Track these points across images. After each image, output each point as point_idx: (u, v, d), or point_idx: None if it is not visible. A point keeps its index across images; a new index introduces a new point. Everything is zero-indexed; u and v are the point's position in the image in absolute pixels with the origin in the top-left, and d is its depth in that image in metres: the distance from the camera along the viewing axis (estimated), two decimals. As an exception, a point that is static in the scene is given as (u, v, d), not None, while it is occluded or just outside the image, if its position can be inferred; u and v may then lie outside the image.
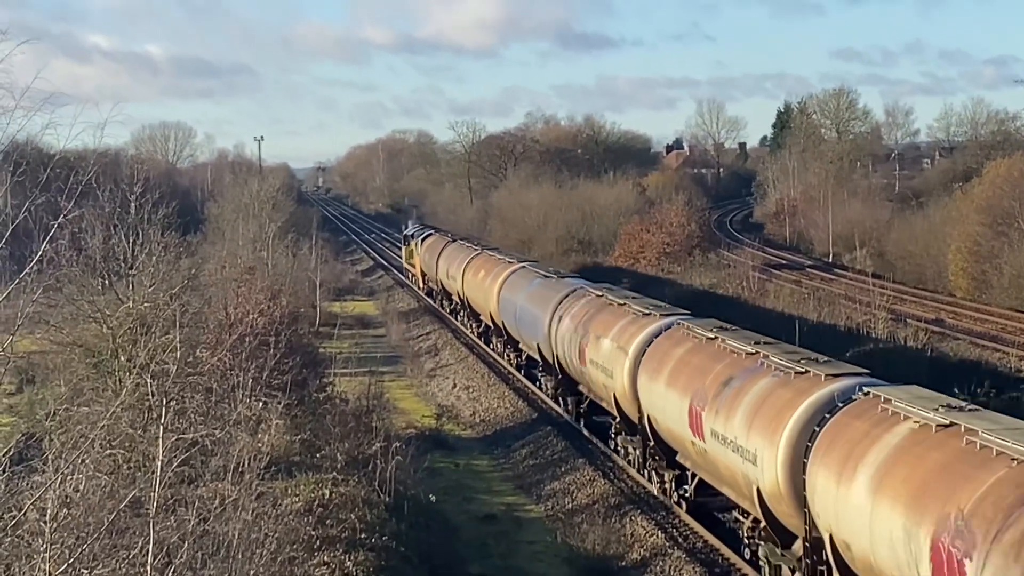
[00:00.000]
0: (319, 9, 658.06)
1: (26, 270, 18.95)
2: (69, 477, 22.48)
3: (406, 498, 39.33)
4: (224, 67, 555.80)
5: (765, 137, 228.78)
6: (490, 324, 74.17)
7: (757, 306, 77.30)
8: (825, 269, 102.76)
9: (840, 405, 28.88)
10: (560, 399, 57.08)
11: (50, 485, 21.02)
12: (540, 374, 61.71)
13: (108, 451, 27.69)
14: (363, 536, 33.73)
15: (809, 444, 28.87)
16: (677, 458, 40.75)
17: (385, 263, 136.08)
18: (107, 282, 41.34)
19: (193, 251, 68.71)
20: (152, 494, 21.87)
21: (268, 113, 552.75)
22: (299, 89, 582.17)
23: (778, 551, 31.92)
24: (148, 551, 21.52)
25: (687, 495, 40.27)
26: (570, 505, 43.93)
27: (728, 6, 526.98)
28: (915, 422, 25.56)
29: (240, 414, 35.17)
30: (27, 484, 22.34)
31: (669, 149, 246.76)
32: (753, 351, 35.28)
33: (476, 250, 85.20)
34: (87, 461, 23.73)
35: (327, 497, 36.14)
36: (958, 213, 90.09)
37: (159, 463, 22.58)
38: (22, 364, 44.27)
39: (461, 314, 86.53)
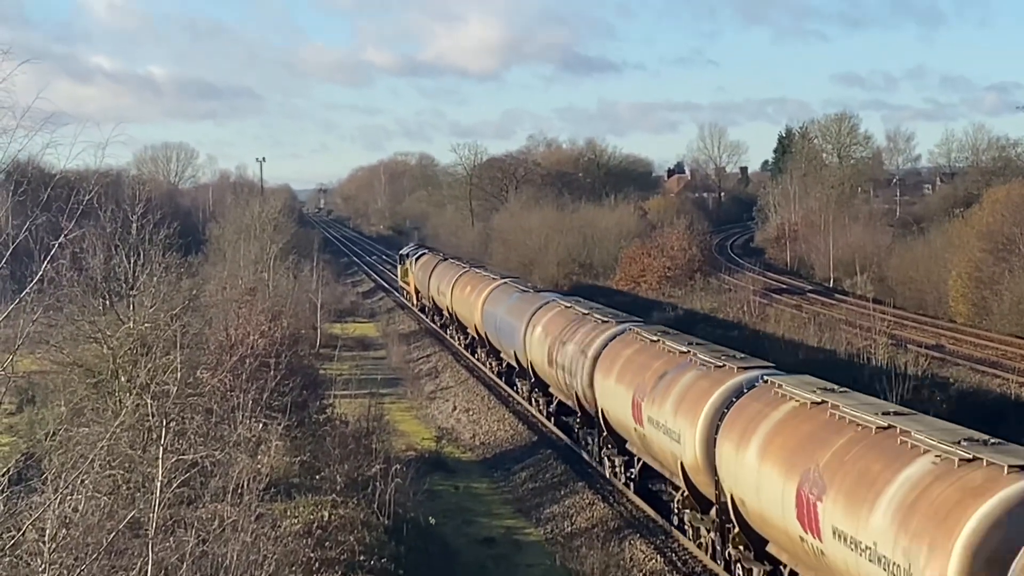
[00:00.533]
0: (323, 32, 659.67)
1: (26, 290, 18.96)
2: (68, 497, 22.46)
3: (405, 521, 39.29)
4: (227, 89, 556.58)
5: (766, 162, 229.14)
6: (475, 336, 78.81)
7: (757, 330, 77.24)
8: (826, 294, 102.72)
9: (745, 391, 34.80)
10: (533, 400, 62.75)
11: (49, 505, 21.00)
12: (517, 379, 66.66)
13: (108, 471, 27.68)
14: (362, 559, 33.68)
15: (719, 423, 34.69)
16: (627, 446, 45.69)
17: (386, 285, 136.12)
18: (108, 302, 41.34)
19: (194, 272, 68.74)
20: (151, 515, 21.86)
21: (270, 135, 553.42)
22: (302, 111, 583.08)
23: (698, 515, 37.86)
24: (147, 572, 21.50)
25: (633, 477, 45.63)
26: (569, 528, 43.90)
27: (730, 31, 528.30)
28: (795, 401, 31.52)
29: (240, 435, 35.16)
30: (26, 504, 22.31)
31: (670, 173, 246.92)
32: (685, 350, 40.72)
33: (464, 268, 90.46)
34: (86, 481, 23.70)
35: (326, 519, 36.09)
36: (959, 239, 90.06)
37: (158, 484, 22.57)
38: (22, 384, 44.19)
39: (451, 328, 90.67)
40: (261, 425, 38.64)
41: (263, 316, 49.70)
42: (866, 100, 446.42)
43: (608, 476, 48.76)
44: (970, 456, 23.86)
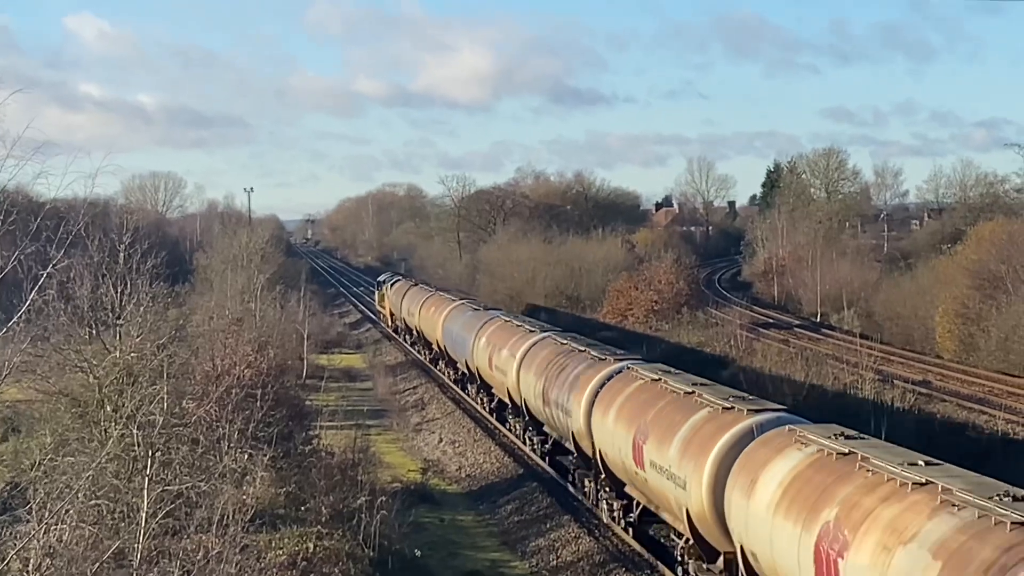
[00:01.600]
0: (314, 61, 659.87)
1: (14, 319, 18.93)
2: (53, 527, 22.40)
3: (391, 553, 39.21)
4: (217, 118, 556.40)
5: (754, 196, 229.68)
6: (437, 350, 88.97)
7: (744, 365, 77.29)
8: (813, 329, 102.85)
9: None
10: (479, 398, 72.98)
11: (34, 535, 20.95)
12: (468, 383, 76.98)
13: (93, 501, 27.60)
14: (347, 591, 33.61)
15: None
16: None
17: (372, 316, 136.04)
18: (94, 332, 41.33)
19: (181, 302, 68.81)
20: (136, 545, 21.82)
21: (259, 164, 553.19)
22: (291, 141, 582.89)
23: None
24: (131, 603, 21.42)
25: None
26: (555, 562, 43.80)
27: (721, 64, 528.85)
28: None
29: (225, 466, 35.10)
30: (11, 534, 22.25)
31: (658, 206, 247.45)
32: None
33: (430, 292, 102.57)
34: (71, 511, 23.65)
35: (311, 551, 36.00)
36: (946, 275, 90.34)
37: (144, 514, 22.54)
38: (8, 413, 44.16)
39: (418, 345, 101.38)
40: (247, 456, 38.55)
41: (249, 346, 49.64)
42: (855, 135, 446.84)
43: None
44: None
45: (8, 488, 32.34)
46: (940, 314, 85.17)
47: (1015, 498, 22.89)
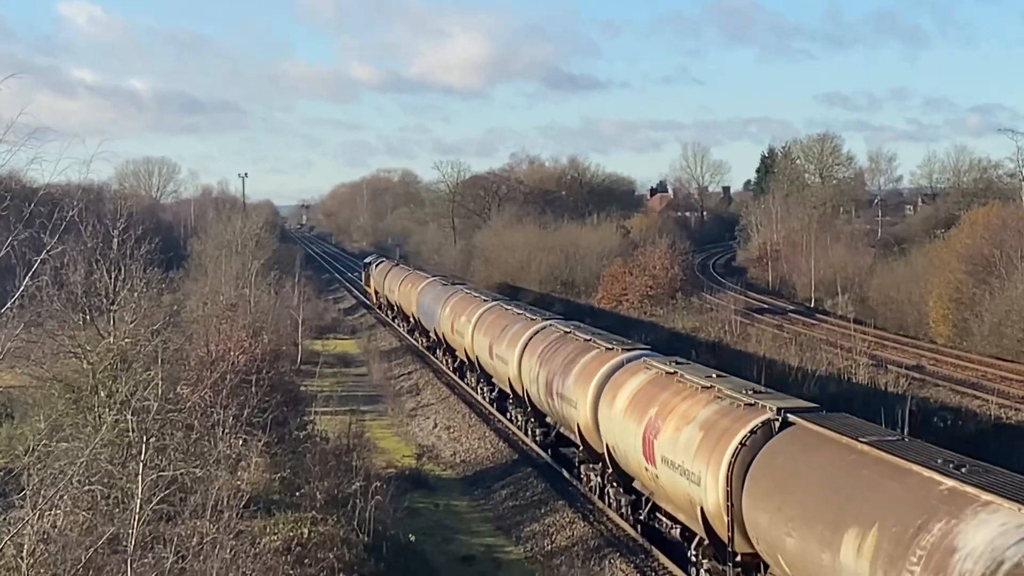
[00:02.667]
0: (308, 48, 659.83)
1: (7, 305, 18.93)
2: (47, 513, 22.45)
3: (385, 538, 39.23)
4: (210, 103, 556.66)
5: (749, 181, 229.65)
6: (414, 322, 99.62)
7: (739, 350, 77.35)
8: (807, 314, 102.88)
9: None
10: (444, 360, 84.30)
11: (28, 521, 20.97)
12: (438, 349, 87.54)
13: (87, 487, 27.64)
14: (342, 575, 33.64)
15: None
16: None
17: (368, 302, 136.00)
18: (88, 317, 41.31)
19: (175, 287, 68.76)
20: (130, 531, 21.84)
21: (253, 150, 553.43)
22: (285, 126, 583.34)
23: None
24: (125, 589, 21.45)
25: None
26: (550, 547, 43.84)
27: (715, 50, 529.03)
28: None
29: (220, 452, 35.11)
30: (4, 519, 22.28)
31: (653, 192, 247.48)
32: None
33: (409, 271, 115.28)
34: (65, 497, 23.70)
35: (306, 536, 36.03)
36: (939, 260, 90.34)
37: (138, 500, 22.56)
38: (1, 398, 44.15)
39: (398, 319, 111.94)
40: (241, 441, 38.57)
41: (244, 332, 49.67)
42: (849, 120, 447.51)
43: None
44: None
45: (2, 474, 32.33)
46: (934, 299, 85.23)
47: (755, 391, 35.10)
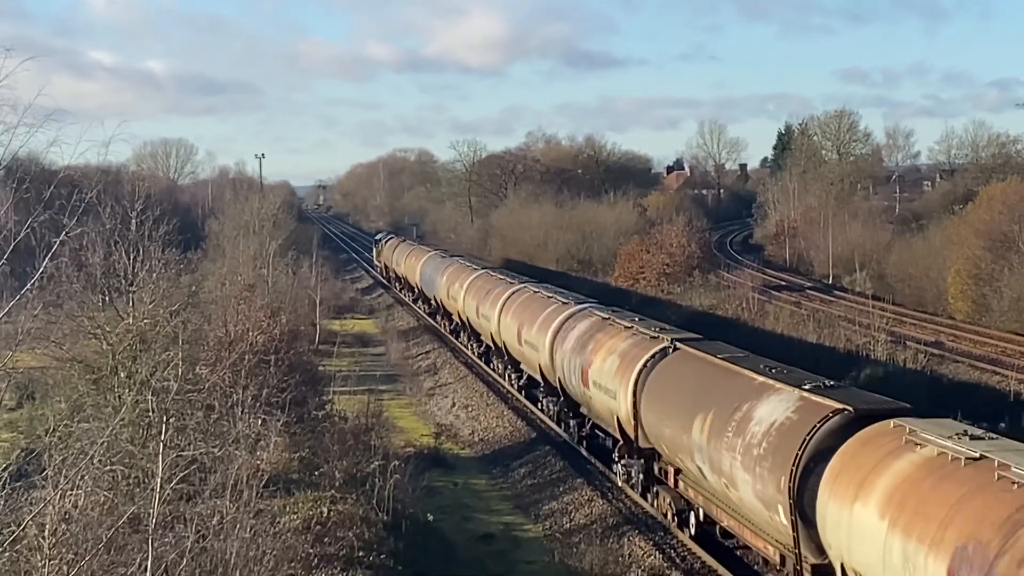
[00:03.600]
0: (324, 27, 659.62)
1: (27, 287, 19.01)
2: (68, 493, 22.54)
3: (404, 517, 39.36)
4: (227, 84, 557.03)
5: (766, 158, 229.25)
6: (416, 291, 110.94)
7: (756, 327, 77.32)
8: (825, 291, 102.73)
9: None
10: (441, 323, 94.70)
11: (49, 501, 21.07)
12: (437, 315, 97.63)
13: (107, 467, 27.74)
14: (361, 554, 33.75)
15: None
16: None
17: (385, 282, 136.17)
18: (107, 299, 41.39)
19: (193, 268, 68.79)
20: (151, 511, 21.92)
21: (270, 130, 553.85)
22: (302, 107, 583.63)
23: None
24: (147, 568, 21.56)
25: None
26: (568, 525, 43.94)
27: (732, 26, 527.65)
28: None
29: (239, 431, 35.24)
30: (26, 500, 22.39)
31: (670, 170, 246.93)
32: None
33: (413, 245, 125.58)
34: (86, 477, 23.80)
35: (325, 515, 36.16)
36: (958, 236, 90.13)
37: (158, 480, 22.63)
38: (22, 380, 44.25)
39: (404, 289, 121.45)
40: (260, 421, 38.70)
41: (262, 312, 49.75)
42: (867, 96, 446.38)
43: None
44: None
45: (24, 454, 32.49)
46: (952, 275, 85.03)
47: (662, 329, 46.00)
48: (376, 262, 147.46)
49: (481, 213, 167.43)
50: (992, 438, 25.79)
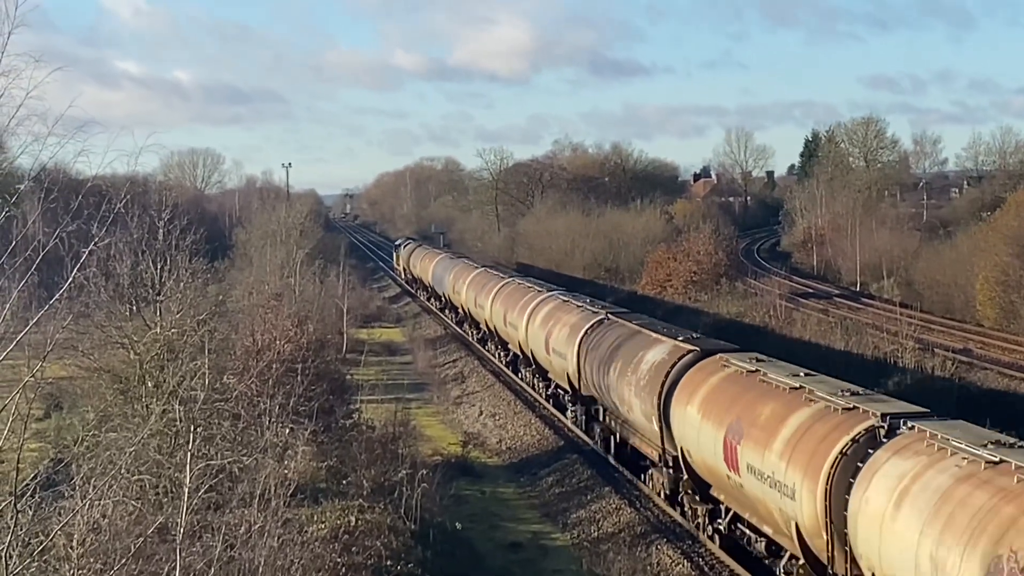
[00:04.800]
0: (351, 36, 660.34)
1: (56, 296, 19.04)
2: (97, 503, 22.57)
3: (432, 525, 39.35)
4: (254, 93, 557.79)
5: (793, 166, 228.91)
6: (429, 289, 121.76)
7: (784, 335, 77.14)
8: (852, 298, 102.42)
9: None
10: (444, 313, 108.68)
11: (78, 510, 21.10)
12: (444, 308, 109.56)
13: (136, 477, 27.82)
14: (389, 563, 33.74)
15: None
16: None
17: (411, 289, 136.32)
18: (135, 308, 41.50)
19: (221, 277, 68.98)
20: (179, 520, 21.93)
21: (297, 140, 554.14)
22: (328, 116, 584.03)
23: None
24: (175, 577, 21.57)
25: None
26: (596, 534, 43.88)
27: (757, 33, 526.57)
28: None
29: (267, 440, 35.27)
30: (55, 509, 22.43)
31: (696, 177, 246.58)
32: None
33: (428, 249, 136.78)
34: (115, 487, 23.82)
35: (353, 524, 36.17)
36: (985, 243, 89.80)
37: (186, 489, 22.65)
38: (51, 390, 44.43)
39: (419, 289, 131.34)
40: (288, 430, 38.74)
41: (289, 321, 49.80)
42: (894, 103, 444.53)
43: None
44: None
45: (52, 464, 32.57)
46: (980, 282, 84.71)
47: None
48: (396, 265, 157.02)
49: (508, 221, 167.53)
50: (760, 359, 39.45)
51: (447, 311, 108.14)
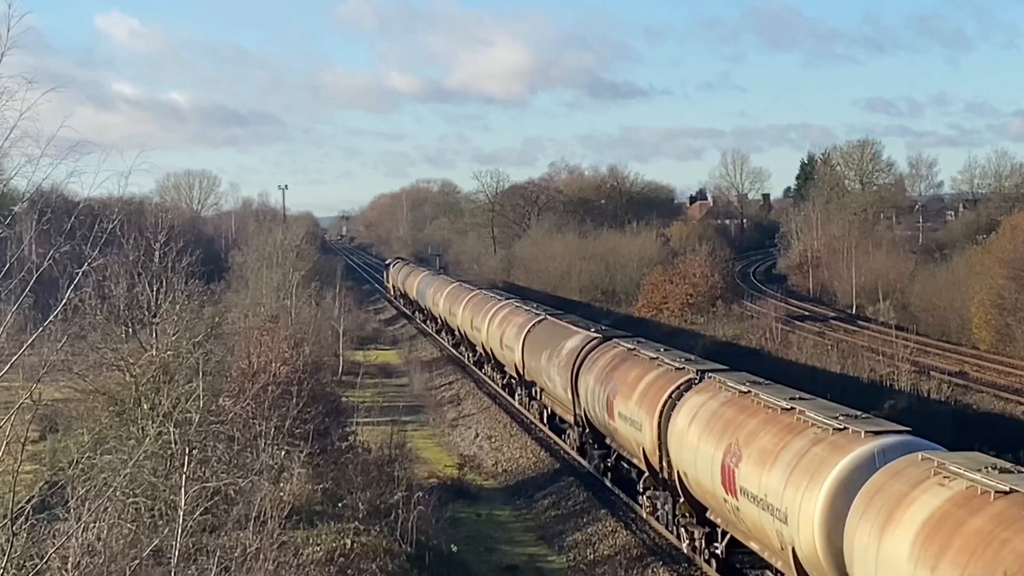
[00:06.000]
0: (346, 58, 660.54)
1: (50, 318, 19.02)
2: (92, 525, 22.51)
3: (428, 548, 39.28)
4: (250, 115, 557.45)
5: (789, 188, 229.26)
6: (415, 303, 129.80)
7: (780, 357, 77.17)
8: (848, 321, 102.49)
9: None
10: (422, 322, 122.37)
11: (72, 533, 21.05)
12: (423, 317, 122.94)
13: (131, 499, 27.77)
14: (384, 586, 33.66)
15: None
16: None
17: (407, 312, 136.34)
18: (130, 330, 41.46)
19: (216, 299, 68.97)
20: (174, 543, 21.91)
21: (293, 161, 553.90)
22: (325, 138, 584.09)
23: None
24: (169, 600, 21.52)
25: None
26: (592, 556, 43.80)
27: (757, 56, 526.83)
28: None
29: (262, 463, 35.25)
30: (50, 532, 22.37)
31: (692, 200, 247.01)
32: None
33: (414, 267, 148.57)
34: (110, 509, 23.77)
35: (349, 547, 36.09)
36: (981, 266, 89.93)
37: (181, 512, 22.62)
38: (46, 412, 44.34)
39: (405, 303, 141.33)
40: (283, 452, 38.71)
41: (285, 343, 49.76)
42: (890, 126, 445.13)
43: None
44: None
45: (47, 486, 32.51)
46: (976, 305, 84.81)
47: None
48: (386, 283, 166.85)
49: (504, 243, 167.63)
50: (641, 342, 51.68)
51: (428, 321, 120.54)
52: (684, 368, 43.87)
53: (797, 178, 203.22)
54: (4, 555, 18.32)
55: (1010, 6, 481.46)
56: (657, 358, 46.80)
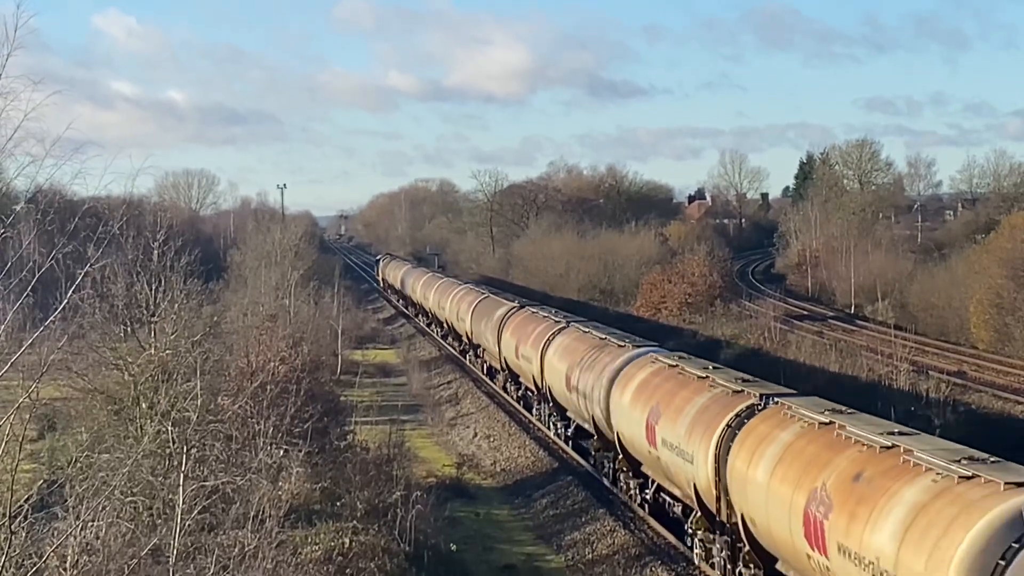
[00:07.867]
0: (344, 58, 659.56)
1: (51, 317, 19.05)
2: (90, 524, 22.54)
3: (426, 547, 39.29)
4: (248, 114, 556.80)
5: (787, 188, 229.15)
6: (408, 298, 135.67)
7: (778, 356, 77.15)
8: (847, 320, 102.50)
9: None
10: (415, 316, 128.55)
11: (71, 532, 21.08)
12: (417, 313, 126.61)
13: (129, 498, 27.78)
14: (383, 585, 33.68)
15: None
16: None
17: (405, 311, 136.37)
18: (129, 329, 41.49)
19: (215, 298, 68.93)
20: (172, 542, 21.93)
21: (291, 161, 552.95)
22: (323, 137, 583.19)
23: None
24: (168, 599, 21.54)
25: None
26: (590, 555, 43.82)
27: (756, 55, 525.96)
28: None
29: (261, 462, 35.23)
30: (48, 531, 22.41)
31: (691, 199, 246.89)
32: (704, 375, 41.30)
33: (400, 262, 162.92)
34: (108, 508, 23.79)
35: (347, 546, 36.10)
36: (980, 265, 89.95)
37: (179, 510, 22.64)
38: (45, 411, 44.36)
39: (397, 298, 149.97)
40: (282, 452, 38.71)
41: (284, 343, 49.77)
42: (889, 125, 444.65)
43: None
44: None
45: (46, 485, 32.54)
46: (974, 304, 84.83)
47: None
48: (377, 277, 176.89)
49: (503, 243, 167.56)
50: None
51: (410, 307, 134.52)
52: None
53: (796, 178, 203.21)
54: (3, 554, 18.35)
55: (1009, 6, 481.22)
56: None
